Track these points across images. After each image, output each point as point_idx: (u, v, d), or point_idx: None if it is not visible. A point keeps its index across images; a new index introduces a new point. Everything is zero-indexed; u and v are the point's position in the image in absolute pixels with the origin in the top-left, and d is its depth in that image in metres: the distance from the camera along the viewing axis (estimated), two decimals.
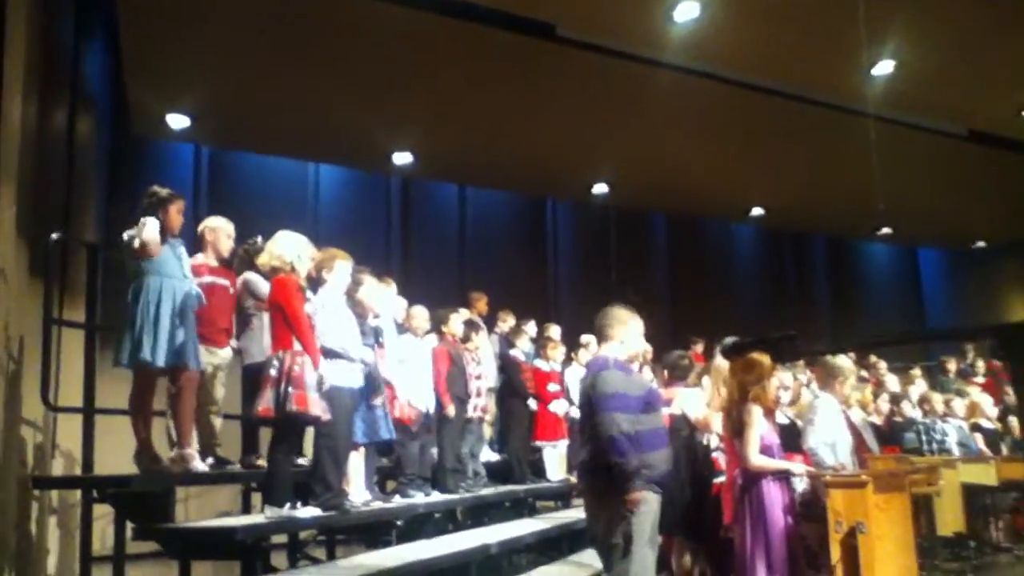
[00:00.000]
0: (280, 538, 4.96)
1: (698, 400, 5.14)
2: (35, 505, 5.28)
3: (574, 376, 7.62)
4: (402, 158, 10.95)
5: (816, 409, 4.86)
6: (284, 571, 4.74)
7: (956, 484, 6.36)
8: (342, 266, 4.87)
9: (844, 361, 5.11)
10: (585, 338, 7.95)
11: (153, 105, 9.06)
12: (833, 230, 15.49)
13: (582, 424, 4.06)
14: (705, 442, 5.05)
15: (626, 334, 3.91)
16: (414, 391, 5.85)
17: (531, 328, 8.24)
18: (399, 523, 5.33)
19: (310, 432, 4.75)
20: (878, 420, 7.44)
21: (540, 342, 8.02)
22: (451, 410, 6.24)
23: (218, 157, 10.67)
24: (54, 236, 5.21)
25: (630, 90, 9.10)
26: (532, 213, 13.39)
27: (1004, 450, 7.92)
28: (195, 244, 5.15)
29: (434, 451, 6.32)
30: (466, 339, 6.76)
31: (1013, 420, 8.26)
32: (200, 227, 5.26)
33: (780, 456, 4.41)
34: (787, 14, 7.69)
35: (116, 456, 4.95)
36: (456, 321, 6.68)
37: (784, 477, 4.36)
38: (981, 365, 10.46)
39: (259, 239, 5.30)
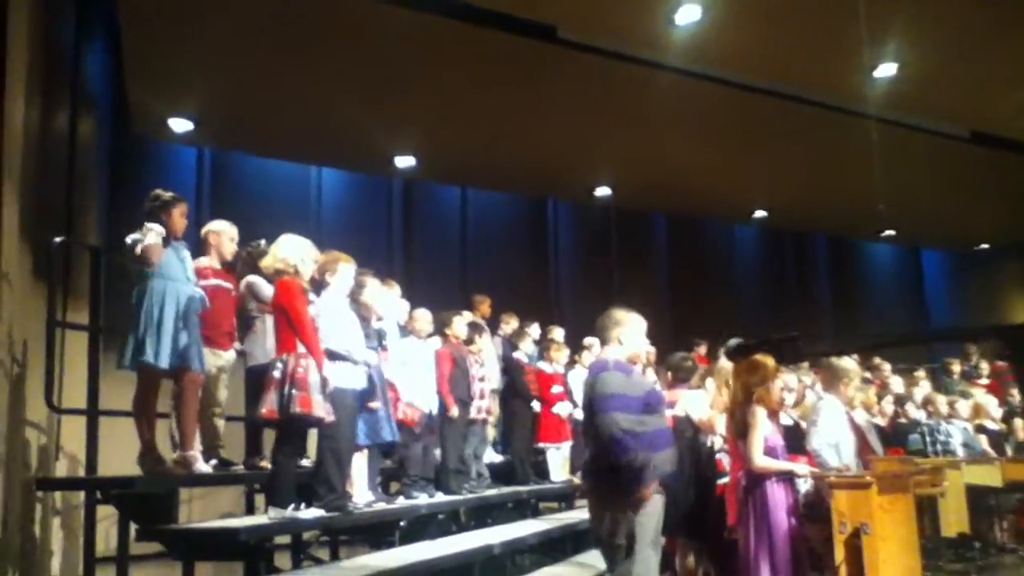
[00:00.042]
0: (283, 539, 4.96)
1: (702, 402, 5.14)
2: (39, 506, 5.29)
3: (577, 378, 7.63)
4: (404, 160, 10.97)
5: (820, 411, 4.86)
6: (287, 572, 4.74)
7: (960, 485, 6.34)
8: (345, 269, 4.89)
9: (848, 363, 5.10)
10: (588, 340, 7.96)
11: (154, 106, 9.07)
12: (835, 231, 15.48)
13: (585, 426, 4.07)
14: (709, 443, 5.05)
15: (625, 335, 3.91)
16: (417, 393, 5.86)
17: (534, 330, 8.25)
18: (402, 524, 5.34)
19: (313, 433, 4.75)
20: (882, 422, 7.43)
21: (543, 344, 8.02)
22: (454, 411, 6.24)
23: (220, 160, 10.68)
24: (57, 239, 5.22)
25: (631, 92, 9.10)
26: (534, 215, 13.40)
27: (1009, 451, 7.91)
28: (198, 247, 5.16)
29: (437, 452, 6.32)
30: (469, 341, 6.76)
31: (1017, 421, 8.25)
32: (203, 230, 5.28)
33: (784, 457, 4.41)
34: (788, 16, 7.69)
35: (120, 458, 4.96)
36: (459, 323, 6.68)
37: (788, 478, 4.36)
38: (985, 367, 10.43)
39: (262, 242, 5.32)
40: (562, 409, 7.65)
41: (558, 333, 8.26)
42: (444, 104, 9.41)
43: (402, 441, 5.54)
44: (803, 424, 5.02)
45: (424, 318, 6.19)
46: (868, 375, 8.39)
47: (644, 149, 10.80)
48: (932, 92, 9.37)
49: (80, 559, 5.22)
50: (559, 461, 7.77)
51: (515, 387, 7.48)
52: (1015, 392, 8.56)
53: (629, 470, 3.59)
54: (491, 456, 7.50)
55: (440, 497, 5.99)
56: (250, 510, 5.52)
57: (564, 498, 8.01)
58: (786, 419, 4.97)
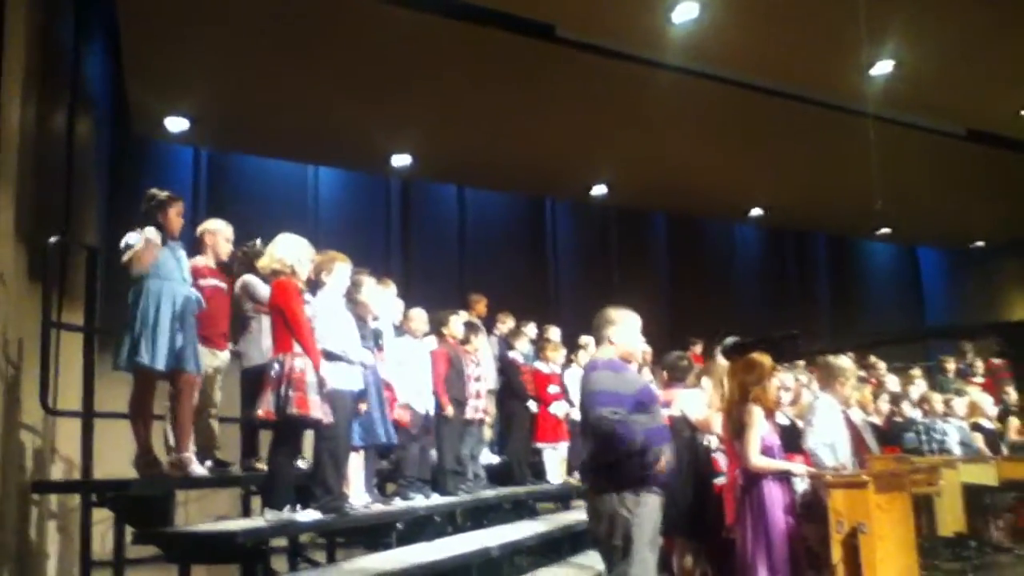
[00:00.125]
0: (280, 541, 4.95)
1: (698, 401, 5.15)
2: (35, 510, 5.27)
3: (574, 378, 7.62)
4: (401, 160, 10.95)
5: (815, 410, 4.86)
6: (284, 574, 4.73)
7: (956, 484, 6.36)
8: (341, 268, 4.87)
9: (845, 362, 5.10)
10: (584, 339, 7.95)
11: (153, 106, 9.06)
12: (834, 229, 15.49)
13: (582, 426, 4.08)
14: (706, 443, 5.05)
15: (617, 334, 3.91)
16: (413, 393, 5.85)
17: (531, 330, 8.24)
18: (399, 526, 5.32)
19: (309, 435, 4.74)
20: (878, 420, 7.44)
21: (539, 344, 8.02)
22: (450, 411, 6.24)
23: (218, 159, 10.67)
24: (53, 239, 5.20)
25: (629, 91, 9.10)
26: (532, 214, 13.39)
27: (1004, 450, 7.92)
28: (193, 246, 5.14)
29: (434, 453, 6.31)
30: (465, 341, 6.75)
31: (1013, 420, 8.26)
32: (199, 229, 5.25)
33: (781, 457, 4.41)
34: (786, 14, 7.69)
35: (115, 460, 4.95)
36: (456, 323, 6.67)
37: (785, 478, 4.36)
38: (980, 365, 10.46)
39: (258, 242, 5.30)
40: (559, 409, 7.64)
41: (554, 333, 8.25)
42: (442, 103, 9.40)
43: (399, 442, 5.53)
44: (799, 423, 5.02)
45: (420, 318, 6.18)
46: (864, 374, 8.41)
47: (642, 148, 10.79)
48: (929, 90, 9.38)
49: (76, 562, 5.22)
50: (556, 461, 7.76)
51: (511, 387, 7.47)
52: (1010, 390, 8.57)
53: (632, 455, 3.59)
54: (488, 457, 7.49)
55: (437, 498, 5.98)
56: (246, 512, 5.51)
57: (561, 499, 8.00)
58: (782, 418, 4.98)
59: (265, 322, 4.99)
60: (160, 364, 4.32)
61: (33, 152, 5.50)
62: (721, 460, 4.98)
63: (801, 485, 4.50)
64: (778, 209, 13.80)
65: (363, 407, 4.88)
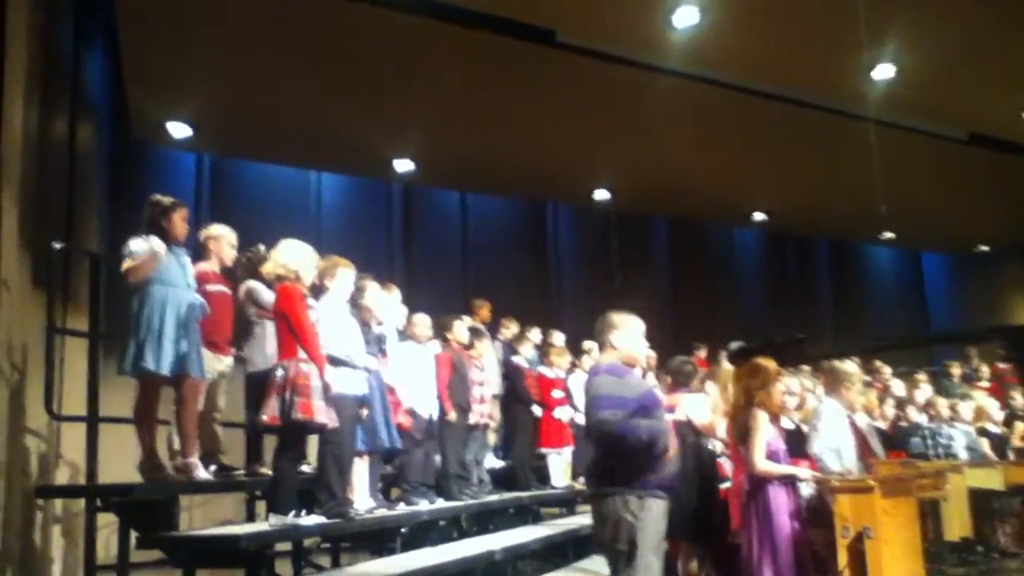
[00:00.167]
0: (284, 546, 4.94)
1: (702, 405, 5.14)
2: (39, 514, 5.26)
3: (578, 382, 7.60)
4: (403, 165, 10.97)
5: (821, 415, 4.85)
6: None
7: (963, 489, 6.34)
8: (344, 274, 4.88)
9: (850, 366, 5.09)
10: (588, 344, 7.94)
11: (154, 111, 9.07)
12: (836, 233, 15.49)
13: (587, 431, 4.07)
14: (711, 447, 5.04)
15: (619, 338, 3.91)
16: (417, 398, 5.84)
17: (535, 335, 8.23)
18: (403, 530, 5.32)
19: (313, 439, 4.74)
20: (883, 425, 7.42)
21: (543, 348, 8.01)
22: (453, 416, 6.23)
23: (220, 166, 10.69)
24: (56, 245, 5.20)
25: (630, 95, 9.10)
26: (533, 219, 13.40)
27: (1011, 455, 7.89)
28: (196, 252, 5.15)
29: (438, 458, 6.30)
30: (469, 346, 6.75)
31: (1019, 424, 8.23)
32: (202, 235, 5.25)
33: (786, 461, 4.39)
34: (786, 18, 7.70)
35: (120, 465, 4.94)
36: (460, 328, 6.67)
37: (790, 482, 4.35)
38: (985, 370, 10.44)
39: (262, 247, 5.30)
40: (563, 414, 7.63)
41: (558, 337, 8.24)
42: (443, 108, 9.42)
43: (403, 447, 5.52)
44: (804, 428, 5.00)
45: (423, 323, 6.18)
46: (868, 378, 8.39)
47: (644, 152, 10.80)
48: (930, 94, 9.38)
49: (80, 567, 5.20)
50: (561, 466, 7.74)
51: (516, 392, 7.46)
52: (1016, 394, 8.55)
53: (639, 452, 3.59)
54: (492, 462, 7.48)
55: (441, 503, 5.97)
56: (250, 517, 5.50)
57: (566, 503, 7.98)
58: (788, 423, 4.97)
59: (269, 327, 4.99)
60: (165, 369, 4.32)
61: (35, 157, 5.50)
62: (726, 465, 4.98)
63: (806, 490, 4.49)
64: (780, 213, 13.81)
65: (364, 412, 4.87)
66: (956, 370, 10.36)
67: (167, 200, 4.63)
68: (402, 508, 5.50)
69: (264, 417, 4.25)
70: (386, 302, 5.76)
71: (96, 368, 5.05)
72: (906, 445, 7.37)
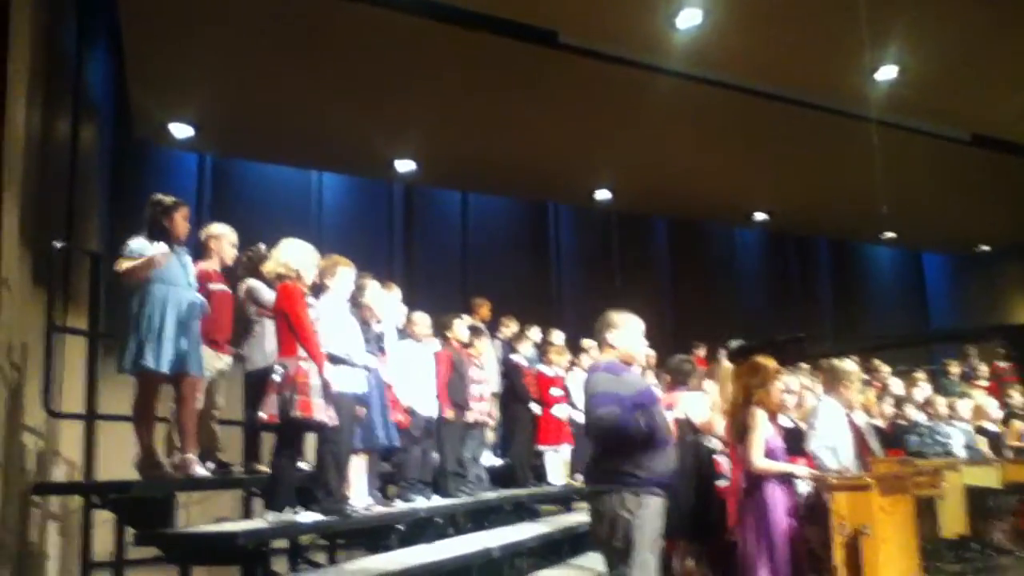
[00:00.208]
0: (281, 543, 4.95)
1: (701, 404, 5.14)
2: (36, 511, 5.28)
3: (576, 381, 7.62)
4: (404, 165, 10.98)
5: (819, 413, 4.85)
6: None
7: (959, 487, 6.34)
8: (345, 273, 4.89)
9: (849, 365, 5.10)
10: (587, 343, 7.95)
11: (156, 111, 9.09)
12: (837, 233, 15.48)
13: (586, 429, 4.09)
14: (709, 445, 5.05)
15: (617, 337, 3.92)
16: (416, 396, 5.85)
17: (534, 333, 8.25)
18: (400, 527, 5.32)
19: (311, 437, 4.75)
20: (881, 423, 7.42)
21: (543, 347, 8.02)
22: (450, 414, 6.24)
23: (221, 166, 10.70)
24: (57, 244, 5.22)
25: (632, 95, 9.10)
26: (534, 219, 13.40)
27: (1009, 453, 7.89)
28: (197, 251, 5.16)
29: (435, 456, 6.31)
30: (468, 344, 6.77)
31: (1016, 423, 8.23)
32: (203, 234, 5.27)
33: (784, 459, 4.40)
34: (789, 19, 7.69)
35: (117, 462, 4.96)
36: (460, 326, 6.69)
37: (788, 480, 4.35)
38: (984, 368, 10.45)
39: (262, 246, 5.32)
40: (561, 412, 7.64)
41: (557, 336, 8.26)
42: (445, 109, 9.43)
43: (400, 445, 5.54)
44: (802, 426, 5.01)
45: (423, 322, 6.19)
46: (867, 377, 8.40)
47: (645, 153, 10.80)
48: (933, 95, 9.37)
49: (77, 563, 5.22)
50: (558, 464, 7.76)
51: (514, 390, 7.48)
52: (1014, 394, 8.55)
53: (639, 442, 3.61)
54: (490, 459, 7.49)
55: (438, 500, 5.98)
56: (247, 514, 5.52)
57: (563, 501, 7.99)
58: (786, 421, 4.97)
59: (268, 326, 5.01)
60: (165, 368, 4.34)
61: (37, 156, 5.53)
62: (723, 462, 4.98)
63: (804, 488, 4.49)
64: (781, 214, 13.80)
65: (361, 411, 4.87)
66: (955, 369, 10.37)
67: (168, 199, 4.65)
68: (399, 505, 5.50)
69: (263, 415, 4.27)
70: (386, 301, 5.77)
71: (95, 366, 5.08)
72: (904, 443, 7.38)
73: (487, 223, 12.77)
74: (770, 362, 4.50)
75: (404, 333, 6.14)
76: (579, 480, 7.48)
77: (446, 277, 11.93)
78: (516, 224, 13.21)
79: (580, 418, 7.08)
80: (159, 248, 4.41)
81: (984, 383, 10.04)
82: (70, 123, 7.03)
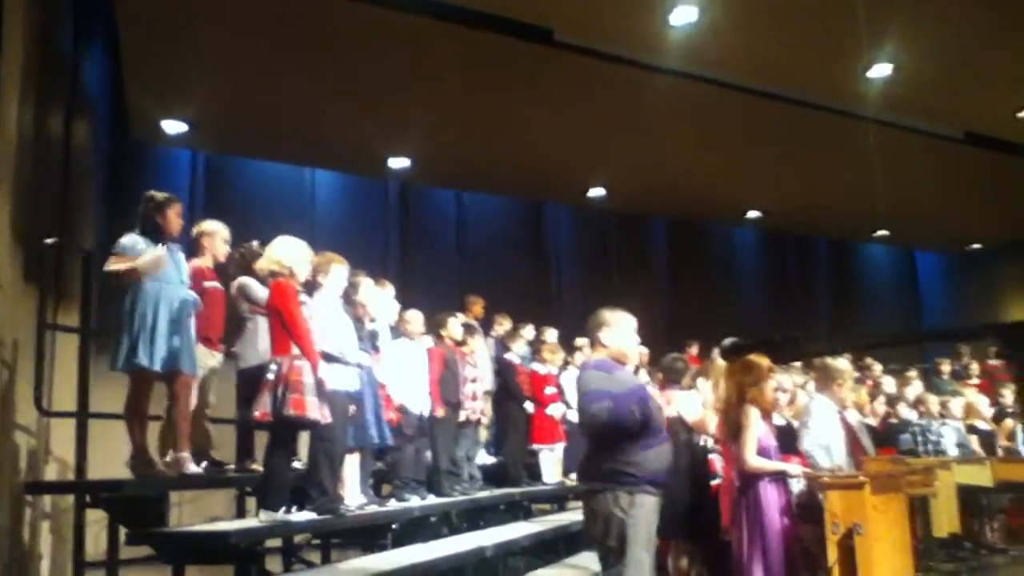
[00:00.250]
0: (274, 542, 4.94)
1: (694, 402, 5.14)
2: (28, 510, 5.25)
3: (570, 379, 7.62)
4: (399, 163, 10.95)
5: (811, 412, 4.86)
6: (278, 575, 4.71)
7: (952, 485, 6.36)
8: (338, 270, 4.88)
9: (843, 364, 5.10)
10: (580, 341, 7.96)
11: (151, 110, 9.05)
12: (833, 232, 15.51)
13: (581, 427, 4.10)
14: (702, 443, 5.05)
15: (609, 335, 3.92)
16: (408, 395, 5.84)
17: (528, 331, 8.24)
18: (394, 526, 5.32)
19: (305, 435, 4.74)
20: (874, 422, 7.44)
21: (536, 345, 8.02)
22: (439, 412, 6.23)
23: (215, 162, 10.66)
24: (49, 240, 5.20)
25: (628, 94, 9.09)
26: (531, 217, 13.39)
27: (999, 451, 7.93)
28: (189, 248, 5.14)
29: (429, 454, 6.31)
30: (462, 343, 6.76)
31: (1008, 422, 8.27)
32: (195, 230, 5.25)
33: (777, 458, 4.40)
34: (784, 17, 7.68)
35: (109, 461, 4.93)
36: (455, 325, 6.68)
37: (781, 479, 4.35)
38: (976, 367, 10.49)
39: (255, 243, 5.30)
40: (555, 410, 7.64)
41: (550, 334, 8.26)
42: (440, 107, 9.40)
43: (394, 444, 5.53)
44: (795, 424, 5.02)
45: (416, 319, 6.19)
46: (859, 375, 8.42)
47: (641, 151, 10.79)
48: (927, 93, 9.37)
49: (69, 563, 5.20)
50: (552, 463, 7.76)
51: (508, 389, 7.47)
52: (1005, 392, 8.58)
53: (636, 432, 3.63)
54: (484, 458, 7.49)
55: (432, 499, 5.98)
56: (241, 513, 5.50)
57: (556, 500, 8.00)
58: (778, 419, 4.98)
59: (261, 323, 4.99)
60: (157, 366, 4.33)
61: (31, 154, 5.50)
62: (716, 461, 4.98)
63: (797, 486, 4.50)
64: (777, 212, 13.81)
65: (352, 409, 4.86)
66: (946, 367, 10.41)
67: (161, 196, 4.63)
68: (393, 504, 5.50)
69: (256, 413, 4.25)
70: (380, 299, 5.76)
71: (87, 364, 5.06)
72: (896, 442, 7.40)
73: (483, 222, 12.75)
74: (763, 360, 4.48)
75: (397, 331, 6.13)
76: (572, 479, 7.49)
77: (441, 276, 11.90)
78: (512, 223, 13.20)
79: (574, 417, 7.09)
80: (158, 250, 4.38)
81: (976, 381, 10.08)
82: (64, 120, 7.00)
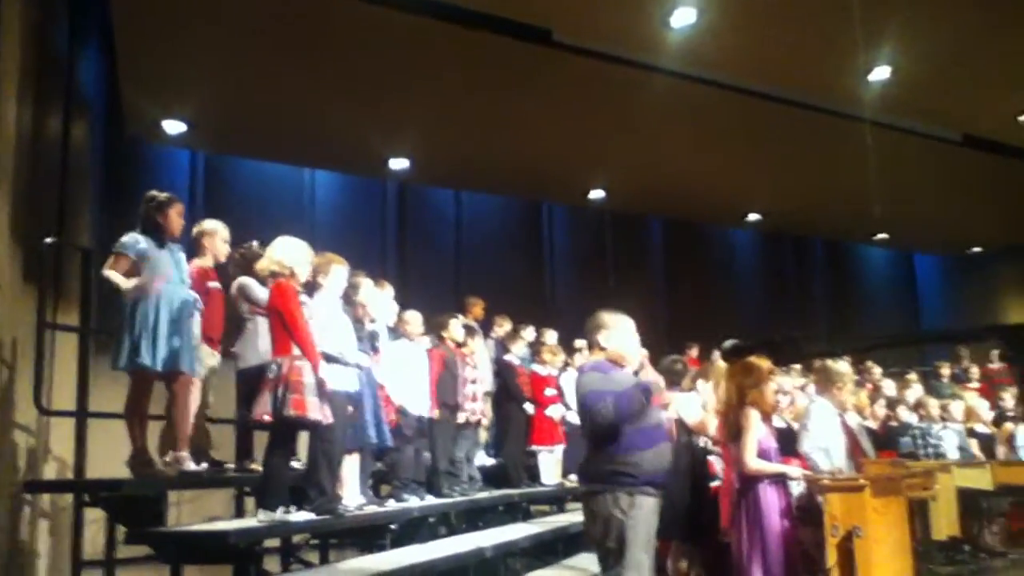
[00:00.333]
0: (273, 542, 4.93)
1: (693, 404, 5.14)
2: (27, 509, 5.25)
3: (570, 381, 7.61)
4: (398, 163, 10.95)
5: (811, 414, 4.85)
6: (277, 575, 4.70)
7: (951, 488, 6.35)
8: (338, 271, 4.87)
9: (843, 366, 5.10)
10: (579, 343, 7.95)
11: (148, 109, 9.03)
12: (830, 234, 15.52)
13: (582, 429, 4.09)
14: (702, 445, 5.05)
15: (607, 338, 3.92)
16: (407, 396, 5.83)
17: (528, 333, 8.23)
18: (393, 527, 5.31)
19: (304, 436, 4.73)
20: (874, 425, 7.45)
21: (536, 346, 8.02)
22: (436, 413, 6.22)
23: (214, 162, 10.65)
24: (48, 240, 5.19)
25: (626, 95, 9.09)
26: (529, 218, 13.39)
27: (999, 455, 7.93)
28: (189, 247, 5.14)
29: (428, 455, 6.30)
30: (462, 344, 6.75)
31: (1008, 425, 8.27)
32: (195, 230, 5.24)
33: (777, 460, 4.40)
34: (783, 19, 7.70)
35: (108, 460, 4.92)
36: (456, 326, 6.68)
37: (781, 481, 4.35)
38: (975, 370, 10.49)
39: (255, 243, 5.30)
40: (555, 412, 7.64)
41: (550, 336, 8.26)
42: (439, 107, 9.40)
43: (393, 444, 5.52)
44: (795, 427, 5.01)
45: (415, 320, 6.18)
46: (858, 378, 8.42)
47: (639, 152, 10.79)
48: (925, 96, 9.39)
49: (67, 562, 5.19)
50: (551, 464, 7.75)
51: (508, 390, 7.46)
52: (1006, 395, 8.59)
53: (642, 412, 3.66)
54: (483, 459, 7.48)
55: (431, 500, 5.97)
56: (239, 513, 5.49)
57: (556, 501, 7.99)
58: (778, 422, 4.98)
59: (260, 323, 4.98)
60: (159, 365, 4.32)
61: (28, 153, 5.50)
62: (716, 463, 4.98)
63: (797, 488, 4.50)
64: (775, 214, 13.82)
65: (350, 410, 4.85)
66: (946, 370, 10.42)
67: (163, 196, 4.63)
68: (392, 505, 5.49)
69: (257, 413, 4.25)
70: (379, 299, 5.75)
71: (86, 363, 5.05)
72: (896, 444, 7.41)
73: (481, 222, 12.75)
74: (764, 362, 4.48)
75: (396, 332, 6.13)
76: (571, 480, 7.48)
77: (440, 276, 11.90)
78: (510, 223, 13.20)
79: (574, 418, 7.09)
80: (143, 279, 4.37)
81: (975, 385, 10.09)
82: (62, 120, 7.00)
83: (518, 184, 12.20)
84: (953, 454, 7.36)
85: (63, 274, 6.17)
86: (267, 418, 4.23)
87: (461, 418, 6.57)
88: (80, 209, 7.74)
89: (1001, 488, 6.69)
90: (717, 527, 4.74)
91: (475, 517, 6.65)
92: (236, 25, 7.49)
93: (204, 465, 4.95)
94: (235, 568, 4.12)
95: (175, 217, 4.62)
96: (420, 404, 5.99)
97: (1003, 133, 10.61)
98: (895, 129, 10.03)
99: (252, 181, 10.82)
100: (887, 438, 7.49)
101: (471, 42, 7.97)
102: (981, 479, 6.64)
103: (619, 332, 3.94)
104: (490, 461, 7.66)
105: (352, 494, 5.02)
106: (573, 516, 6.88)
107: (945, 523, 6.26)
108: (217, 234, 5.21)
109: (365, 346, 5.16)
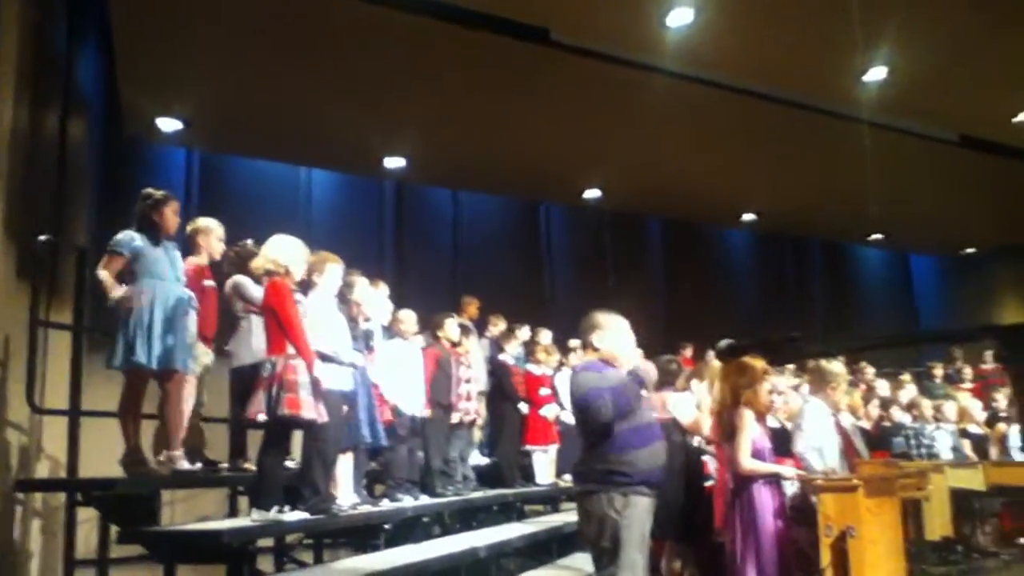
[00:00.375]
0: (266, 542, 4.92)
1: (688, 404, 5.15)
2: (19, 508, 5.23)
3: (565, 380, 7.61)
4: (395, 162, 10.94)
5: (805, 414, 4.86)
6: (270, 575, 4.70)
7: (944, 489, 6.37)
8: (333, 269, 4.86)
9: (837, 367, 5.11)
10: (574, 342, 7.95)
11: (146, 108, 9.03)
12: (827, 234, 15.55)
13: (578, 429, 4.09)
14: (696, 445, 5.06)
15: (601, 338, 3.92)
16: (401, 395, 5.83)
17: (523, 332, 8.24)
18: (387, 527, 5.30)
19: (298, 435, 4.72)
20: (867, 425, 7.46)
21: (530, 346, 8.01)
22: (427, 412, 6.22)
23: (210, 161, 10.63)
24: (43, 238, 5.18)
25: (624, 95, 9.09)
26: (526, 218, 13.38)
27: (992, 455, 7.95)
28: (184, 245, 5.13)
29: (422, 455, 6.29)
30: (457, 343, 6.75)
31: (1000, 426, 8.29)
32: (190, 228, 5.24)
33: (771, 460, 4.40)
34: (780, 19, 7.70)
35: (101, 459, 4.91)
36: (451, 326, 6.68)
37: (775, 481, 4.36)
38: (968, 371, 10.52)
39: (250, 242, 5.29)
40: (549, 411, 7.63)
41: (545, 335, 8.26)
42: (436, 106, 9.39)
43: (388, 444, 5.51)
44: (789, 427, 5.02)
45: (409, 319, 6.17)
46: (851, 378, 8.44)
47: (637, 152, 10.80)
48: (922, 96, 9.40)
49: (60, 561, 5.18)
50: (545, 464, 7.75)
51: (502, 389, 7.46)
52: (999, 396, 8.61)
53: (635, 400, 3.69)
54: (477, 459, 7.48)
55: (425, 500, 5.97)
56: (233, 512, 5.48)
57: (550, 501, 7.99)
58: (772, 422, 4.98)
59: (255, 322, 4.98)
60: (155, 364, 4.32)
61: (24, 151, 5.48)
62: (710, 463, 4.99)
63: (791, 488, 4.50)
64: (772, 214, 13.83)
65: (344, 409, 4.84)
66: (939, 371, 10.44)
67: (159, 193, 4.64)
68: (386, 504, 5.48)
69: (251, 412, 4.24)
70: (375, 298, 5.75)
71: (79, 361, 5.04)
72: (889, 445, 7.42)
73: (479, 222, 12.74)
74: (758, 362, 4.48)
75: (391, 331, 6.12)
76: (567, 480, 7.48)
77: (437, 276, 11.89)
78: (508, 223, 13.19)
79: (568, 418, 7.09)
80: (126, 291, 4.37)
81: (968, 385, 10.11)
82: (59, 118, 6.97)
83: (516, 184, 12.19)
84: (946, 454, 7.38)
85: (57, 272, 6.16)
86: (261, 417, 4.21)
87: (455, 418, 6.56)
88: (77, 207, 7.72)
89: (994, 488, 6.71)
90: (711, 527, 4.75)
91: (469, 517, 6.65)
92: (235, 25, 7.48)
93: (198, 464, 4.95)
94: (229, 568, 4.10)
95: (171, 215, 4.62)
96: (414, 403, 5.98)
97: (1000, 134, 10.63)
98: (892, 130, 10.05)
99: (248, 179, 10.81)
100: (880, 438, 7.50)
101: (469, 42, 7.97)
102: (974, 480, 6.66)
103: (613, 333, 3.94)
104: (484, 461, 7.66)
105: (346, 494, 5.02)
106: (567, 516, 6.89)
107: (938, 523, 6.27)
108: (212, 232, 5.21)
109: (360, 345, 5.15)
